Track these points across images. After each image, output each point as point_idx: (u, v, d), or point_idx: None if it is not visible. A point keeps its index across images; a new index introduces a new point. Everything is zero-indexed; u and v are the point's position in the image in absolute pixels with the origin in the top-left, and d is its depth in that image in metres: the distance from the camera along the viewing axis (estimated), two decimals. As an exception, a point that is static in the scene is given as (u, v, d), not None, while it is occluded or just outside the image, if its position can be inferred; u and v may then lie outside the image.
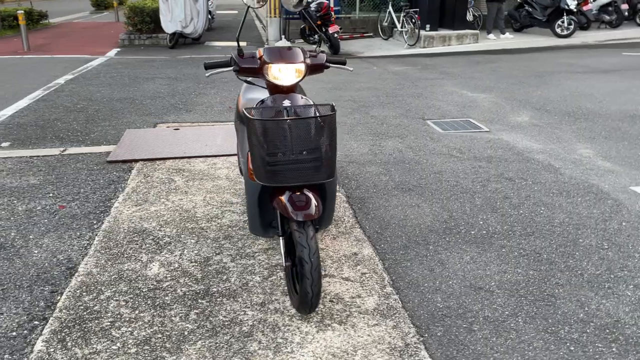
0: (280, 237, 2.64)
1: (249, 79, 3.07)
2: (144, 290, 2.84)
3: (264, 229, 2.83)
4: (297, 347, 2.39)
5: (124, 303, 2.72)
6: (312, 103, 2.61)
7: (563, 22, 12.97)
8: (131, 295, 2.78)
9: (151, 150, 4.96)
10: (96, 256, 3.17)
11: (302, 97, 2.69)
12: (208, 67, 2.83)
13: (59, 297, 2.78)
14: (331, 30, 11.06)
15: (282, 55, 2.61)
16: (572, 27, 12.96)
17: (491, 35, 13.07)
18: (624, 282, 2.89)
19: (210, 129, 5.70)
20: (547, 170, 4.54)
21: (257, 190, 2.64)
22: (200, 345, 2.40)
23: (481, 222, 3.58)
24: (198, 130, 5.61)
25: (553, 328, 2.52)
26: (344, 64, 2.90)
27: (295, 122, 2.34)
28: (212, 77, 8.71)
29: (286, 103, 2.60)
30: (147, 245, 3.29)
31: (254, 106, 2.65)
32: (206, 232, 3.47)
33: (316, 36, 11.63)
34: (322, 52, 2.85)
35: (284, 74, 2.61)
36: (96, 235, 3.42)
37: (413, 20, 11.81)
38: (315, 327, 2.52)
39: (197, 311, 2.65)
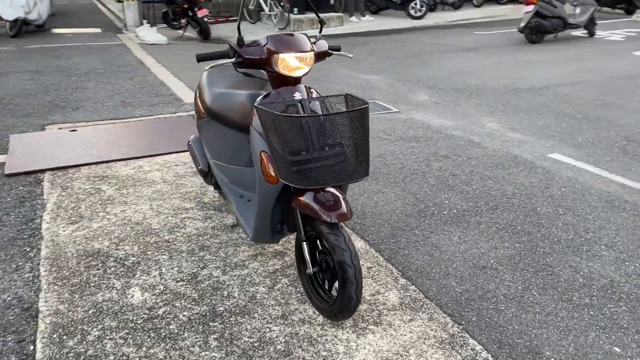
0: (304, 242, 2.42)
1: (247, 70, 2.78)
2: (138, 322, 2.43)
3: (272, 234, 2.58)
4: (346, 357, 2.22)
5: (122, 341, 2.30)
6: (321, 95, 2.41)
7: (416, 4, 13.78)
8: (126, 331, 2.37)
9: (55, 157, 4.28)
10: (54, 290, 2.65)
11: (310, 89, 2.47)
12: (201, 59, 2.48)
13: (32, 347, 2.27)
14: (200, 14, 10.52)
15: (290, 44, 2.36)
16: (423, 9, 13.84)
17: (353, 18, 13.44)
18: (595, 243, 3.14)
19: (114, 127, 5.08)
20: (471, 145, 4.78)
21: (275, 194, 2.38)
22: (243, 374, 2.12)
23: (446, 202, 3.66)
24: (99, 131, 4.96)
25: (566, 296, 2.66)
26: (339, 50, 2.72)
27: (332, 118, 2.14)
28: (85, 69, 7.80)
29: (297, 96, 2.38)
30: (113, 269, 2.83)
31: (260, 101, 2.38)
32: (175, 244, 3.08)
33: (182, 21, 10.97)
34: (322, 37, 2.64)
35: (295, 64, 2.36)
36: (39, 264, 2.86)
37: (282, 4, 11.68)
38: (353, 332, 2.37)
39: (215, 336, 2.34)
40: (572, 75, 7.57)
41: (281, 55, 2.32)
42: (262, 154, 2.36)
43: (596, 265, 2.92)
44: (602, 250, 3.07)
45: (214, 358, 2.21)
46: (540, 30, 10.12)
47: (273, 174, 2.31)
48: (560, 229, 3.29)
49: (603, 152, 4.59)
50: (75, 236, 3.14)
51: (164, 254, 2.97)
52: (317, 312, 2.48)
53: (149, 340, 2.31)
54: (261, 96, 2.44)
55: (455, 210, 3.53)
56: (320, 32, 2.77)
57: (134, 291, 2.64)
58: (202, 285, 2.70)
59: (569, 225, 3.34)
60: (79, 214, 3.40)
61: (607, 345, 2.33)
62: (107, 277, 2.75)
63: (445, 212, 3.51)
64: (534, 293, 2.68)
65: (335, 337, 2.34)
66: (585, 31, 10.97)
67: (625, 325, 2.46)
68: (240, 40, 2.40)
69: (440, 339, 2.33)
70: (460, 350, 2.27)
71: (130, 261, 2.90)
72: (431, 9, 14.69)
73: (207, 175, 3.25)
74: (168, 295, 2.62)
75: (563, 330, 2.42)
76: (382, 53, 9.51)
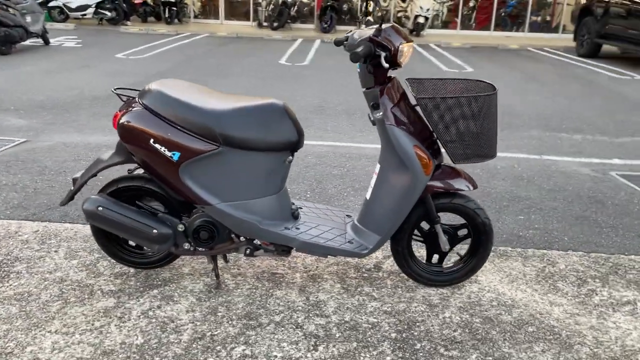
0: (438, 225, 2.51)
1: None
2: None
3: None
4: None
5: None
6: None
7: None
8: None
9: None
10: None
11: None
12: (356, 59, 2.08)
13: None
14: None
15: (401, 33, 2.33)
16: None
17: None
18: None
19: None
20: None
21: (423, 185, 2.36)
22: None
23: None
24: None
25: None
26: None
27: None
28: None
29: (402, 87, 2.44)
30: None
31: (417, 95, 2.30)
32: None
33: None
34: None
35: (409, 54, 2.36)
36: None
37: None
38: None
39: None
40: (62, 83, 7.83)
41: (402, 46, 2.28)
42: (415, 148, 2.30)
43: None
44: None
45: None
46: (9, 40, 9.40)
47: (429, 162, 2.32)
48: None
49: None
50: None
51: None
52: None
53: None
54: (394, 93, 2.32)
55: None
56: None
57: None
58: (353, 331, 2.29)
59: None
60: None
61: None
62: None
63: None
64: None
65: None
66: (41, 40, 10.81)
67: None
68: (378, 31, 2.21)
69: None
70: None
71: None
72: None
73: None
74: (352, 340, 2.13)
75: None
76: None
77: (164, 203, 2.52)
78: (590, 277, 2.78)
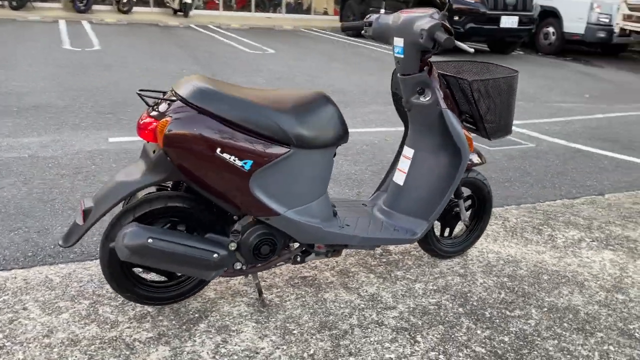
0: (461, 200, 2.66)
1: None
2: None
3: None
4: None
5: None
6: None
7: None
8: None
9: None
10: None
11: None
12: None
13: None
14: None
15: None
16: None
17: None
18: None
19: None
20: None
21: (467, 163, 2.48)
22: None
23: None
24: None
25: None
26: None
27: None
28: None
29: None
30: None
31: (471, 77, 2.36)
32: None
33: None
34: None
35: None
36: None
37: None
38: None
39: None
40: None
41: None
42: (463, 128, 2.40)
43: (340, 161, 4.22)
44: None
45: (532, 292, 2.49)
46: None
47: (470, 140, 2.46)
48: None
49: None
50: None
51: None
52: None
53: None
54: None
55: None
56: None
57: (458, 347, 2.04)
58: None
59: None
60: None
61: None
62: None
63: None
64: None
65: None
66: None
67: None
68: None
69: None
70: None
71: None
72: None
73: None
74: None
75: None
76: None
77: (193, 222, 2.15)
78: (539, 225, 3.30)
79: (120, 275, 2.10)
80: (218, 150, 1.94)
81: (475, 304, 2.44)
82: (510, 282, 2.63)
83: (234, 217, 2.20)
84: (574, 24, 11.03)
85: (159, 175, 1.99)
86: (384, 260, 2.76)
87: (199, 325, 2.17)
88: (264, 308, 2.30)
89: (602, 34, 10.78)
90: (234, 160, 1.96)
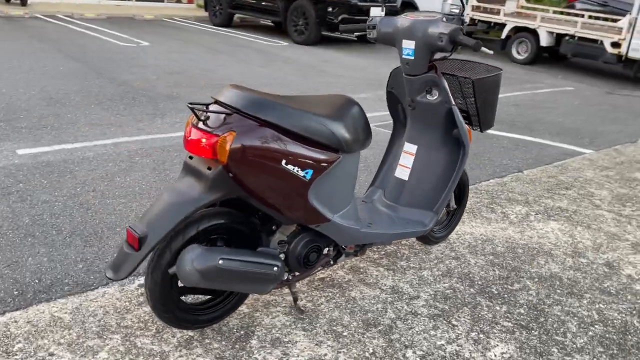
0: None
1: None
2: None
3: None
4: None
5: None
6: None
7: None
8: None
9: None
10: None
11: None
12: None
13: None
14: None
15: None
16: None
17: None
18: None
19: None
20: None
21: None
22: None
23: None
24: None
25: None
26: None
27: None
28: None
29: None
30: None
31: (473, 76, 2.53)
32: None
33: None
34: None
35: None
36: None
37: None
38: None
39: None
40: None
41: None
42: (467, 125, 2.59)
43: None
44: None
45: (524, 266, 2.80)
46: None
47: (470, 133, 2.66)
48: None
49: None
50: None
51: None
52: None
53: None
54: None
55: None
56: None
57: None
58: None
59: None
60: None
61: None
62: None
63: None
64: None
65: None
66: None
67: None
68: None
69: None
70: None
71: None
72: None
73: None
74: (484, 302, 2.41)
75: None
76: None
77: (233, 237, 2.08)
78: (489, 205, 3.66)
79: (171, 301, 1.97)
80: (283, 162, 1.90)
81: (480, 282, 2.67)
82: (496, 259, 2.91)
83: (272, 227, 2.16)
84: (431, 14, 12.00)
85: (217, 192, 1.89)
86: (383, 252, 2.88)
87: (249, 342, 2.11)
88: (302, 315, 2.30)
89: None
90: (297, 170, 1.94)
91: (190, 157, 1.96)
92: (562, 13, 10.80)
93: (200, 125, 1.88)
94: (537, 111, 6.74)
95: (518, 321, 2.38)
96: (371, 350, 2.12)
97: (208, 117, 1.89)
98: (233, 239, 2.06)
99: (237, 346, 2.08)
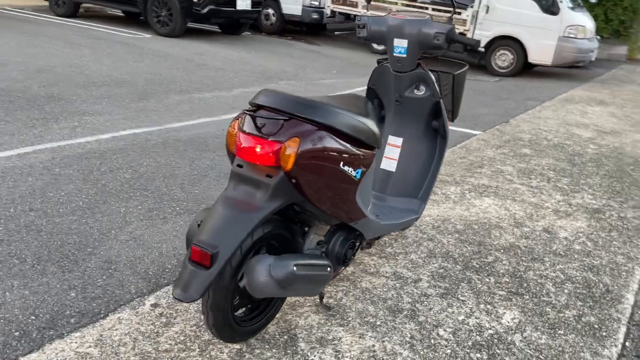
0: None
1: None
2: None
3: None
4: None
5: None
6: None
7: None
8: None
9: None
10: None
11: None
12: None
13: (618, 310, 2.55)
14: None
15: None
16: None
17: None
18: (184, 156, 4.10)
19: None
20: None
21: None
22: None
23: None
24: None
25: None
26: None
27: None
28: None
29: None
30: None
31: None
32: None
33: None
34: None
35: None
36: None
37: None
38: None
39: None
40: None
41: None
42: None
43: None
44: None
45: (491, 240, 3.13)
46: None
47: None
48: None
49: None
50: None
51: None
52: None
53: (525, 263, 2.85)
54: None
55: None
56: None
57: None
58: (448, 265, 2.73)
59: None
60: None
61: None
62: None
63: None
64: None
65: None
66: None
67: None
68: None
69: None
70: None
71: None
72: None
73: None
74: (482, 276, 2.66)
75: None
76: None
77: (277, 242, 2.07)
78: (429, 188, 3.96)
79: (231, 317, 1.89)
80: (341, 164, 1.92)
81: (461, 259, 2.93)
82: (462, 237, 3.20)
83: (305, 229, 2.17)
84: (292, 6, 12.21)
85: (279, 200, 1.85)
86: (366, 242, 3.00)
87: (298, 344, 2.11)
88: (330, 311, 2.34)
89: (315, 15, 12.23)
90: (351, 171, 1.97)
91: (240, 166, 1.88)
92: (409, 5, 11.69)
93: (254, 131, 1.82)
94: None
95: (508, 289, 2.68)
96: (409, 335, 2.24)
97: (264, 124, 1.83)
98: (275, 245, 2.03)
99: (288, 351, 2.06)
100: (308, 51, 10.92)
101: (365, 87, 2.82)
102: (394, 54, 2.59)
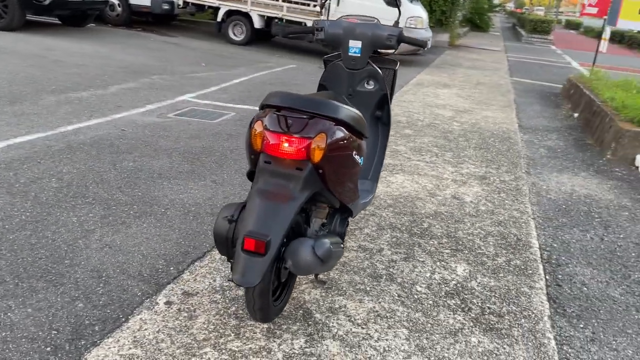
0: None
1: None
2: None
3: None
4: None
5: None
6: None
7: None
8: (470, 234, 3.31)
9: None
10: (529, 279, 2.84)
11: None
12: None
13: (537, 252, 3.19)
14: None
15: None
16: None
17: None
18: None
19: None
20: None
21: None
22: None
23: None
24: None
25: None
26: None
27: None
28: None
29: None
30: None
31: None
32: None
33: None
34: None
35: None
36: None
37: None
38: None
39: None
40: None
41: None
42: None
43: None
44: (119, 158, 4.06)
45: (422, 209, 3.65)
46: None
47: None
48: (95, 168, 3.80)
49: None
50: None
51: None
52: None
53: (457, 225, 3.41)
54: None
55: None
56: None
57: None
58: (403, 234, 3.17)
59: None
60: None
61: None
62: (479, 269, 2.85)
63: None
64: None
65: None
66: None
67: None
68: None
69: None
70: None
71: (454, 275, 2.77)
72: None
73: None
74: (433, 239, 3.15)
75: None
76: None
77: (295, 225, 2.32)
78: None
79: (272, 299, 2.11)
80: (354, 153, 2.21)
81: (404, 228, 3.39)
82: (396, 210, 3.68)
83: (308, 211, 2.44)
84: (141, -4, 11.77)
85: (309, 189, 2.09)
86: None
87: (314, 316, 2.38)
88: (325, 285, 2.64)
89: (166, 6, 11.93)
90: (358, 158, 2.27)
91: (268, 162, 2.08)
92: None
93: (284, 129, 2.03)
94: (294, 88, 7.68)
95: (450, 247, 3.20)
96: (396, 295, 2.63)
97: (291, 123, 2.05)
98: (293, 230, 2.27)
99: (310, 322, 2.32)
100: (165, 43, 10.68)
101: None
102: (349, 54, 2.92)
